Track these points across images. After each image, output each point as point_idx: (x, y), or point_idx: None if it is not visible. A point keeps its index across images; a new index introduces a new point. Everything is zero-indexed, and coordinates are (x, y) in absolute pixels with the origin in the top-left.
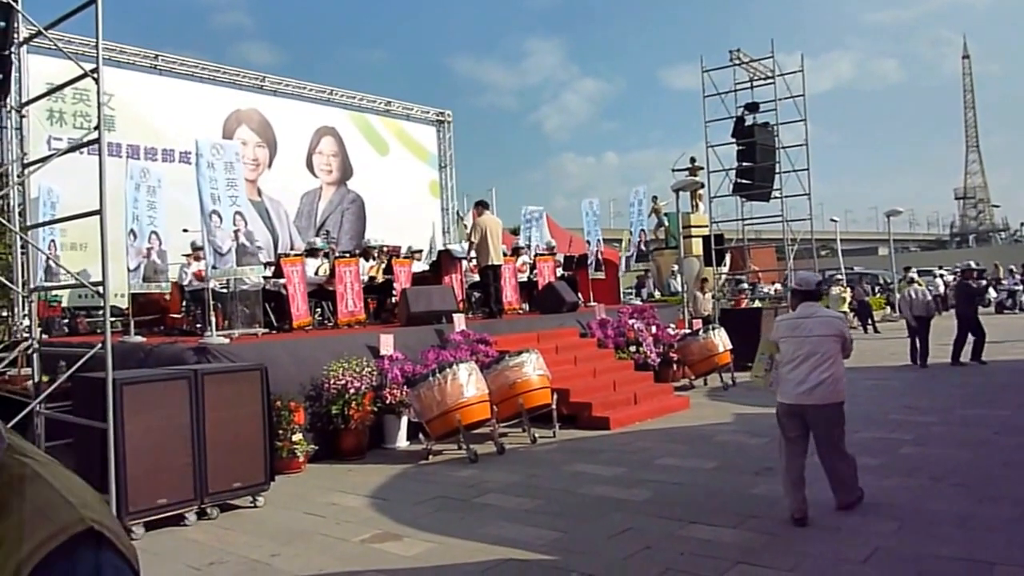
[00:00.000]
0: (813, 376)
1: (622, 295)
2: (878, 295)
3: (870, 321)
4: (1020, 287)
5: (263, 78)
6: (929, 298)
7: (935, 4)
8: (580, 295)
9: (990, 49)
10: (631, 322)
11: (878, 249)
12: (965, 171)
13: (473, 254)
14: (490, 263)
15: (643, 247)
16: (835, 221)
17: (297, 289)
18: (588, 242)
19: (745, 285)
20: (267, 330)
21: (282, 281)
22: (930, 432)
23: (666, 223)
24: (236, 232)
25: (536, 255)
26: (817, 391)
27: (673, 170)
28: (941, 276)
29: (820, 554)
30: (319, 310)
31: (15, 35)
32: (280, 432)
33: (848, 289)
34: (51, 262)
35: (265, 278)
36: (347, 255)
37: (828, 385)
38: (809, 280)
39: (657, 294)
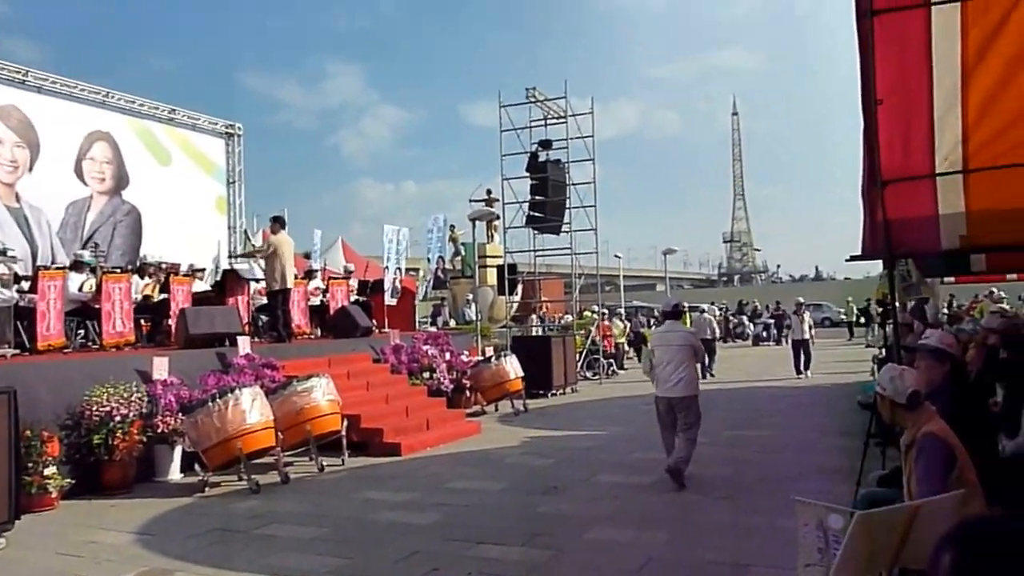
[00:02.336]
0: (675, 375)
1: (417, 322)
2: (652, 328)
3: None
4: (773, 321)
5: (25, 72)
6: (714, 324)
7: (709, 64)
8: (375, 321)
9: (756, 109)
10: (425, 348)
11: (656, 285)
12: (732, 217)
13: (261, 275)
14: (281, 285)
15: (440, 275)
16: (619, 257)
17: (51, 307)
18: (386, 268)
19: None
20: (18, 351)
21: (36, 296)
22: (699, 452)
23: (463, 252)
24: None
25: (330, 279)
26: (679, 386)
27: (470, 200)
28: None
29: (599, 566)
30: (82, 331)
31: None
32: (29, 465)
33: (626, 321)
34: None
35: (20, 292)
36: (118, 270)
37: (686, 382)
38: (672, 303)
39: (452, 322)
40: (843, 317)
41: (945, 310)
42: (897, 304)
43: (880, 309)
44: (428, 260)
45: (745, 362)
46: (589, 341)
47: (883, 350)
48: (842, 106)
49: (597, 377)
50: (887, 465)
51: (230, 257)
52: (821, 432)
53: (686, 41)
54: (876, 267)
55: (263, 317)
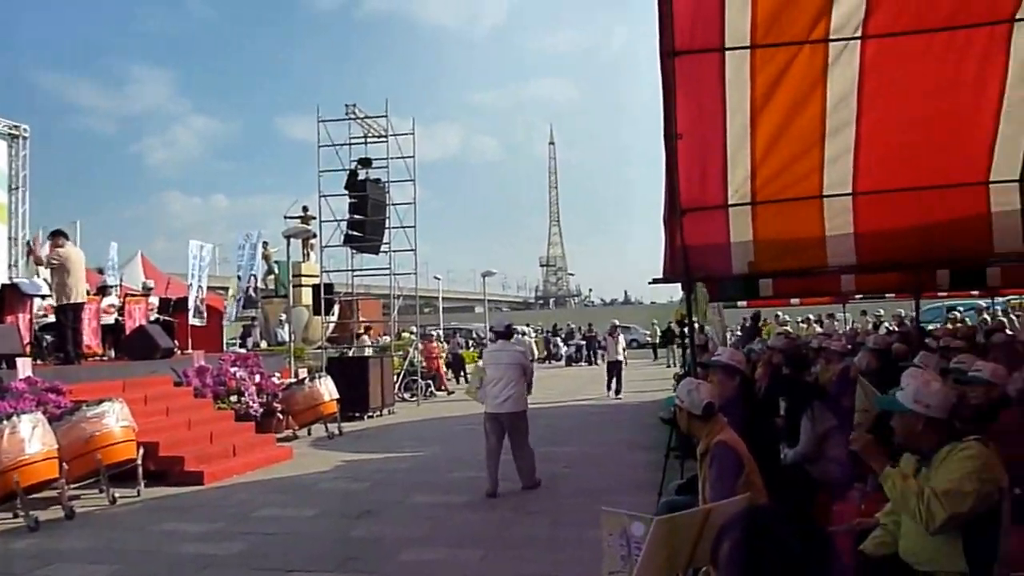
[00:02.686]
0: (504, 392)
1: (226, 344)
2: (471, 349)
3: (462, 373)
4: (585, 343)
5: None
6: (532, 346)
7: (527, 94)
8: (177, 341)
9: (572, 139)
10: (233, 371)
11: (475, 307)
12: (548, 242)
13: (47, 290)
14: (71, 301)
15: (252, 294)
16: (438, 279)
17: None
18: (190, 285)
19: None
20: None
21: None
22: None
23: (276, 271)
24: None
25: (126, 295)
26: (508, 403)
27: (286, 217)
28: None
29: None
30: None
31: None
32: None
33: (444, 343)
34: None
35: None
36: None
37: (515, 398)
38: (504, 323)
39: (264, 344)
40: (649, 339)
41: (739, 332)
42: (696, 325)
43: (679, 330)
44: (239, 278)
45: (558, 382)
46: (407, 362)
47: (684, 368)
48: (648, 139)
49: (415, 399)
50: (685, 475)
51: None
52: (628, 447)
53: (507, 69)
54: (680, 291)
55: (48, 336)
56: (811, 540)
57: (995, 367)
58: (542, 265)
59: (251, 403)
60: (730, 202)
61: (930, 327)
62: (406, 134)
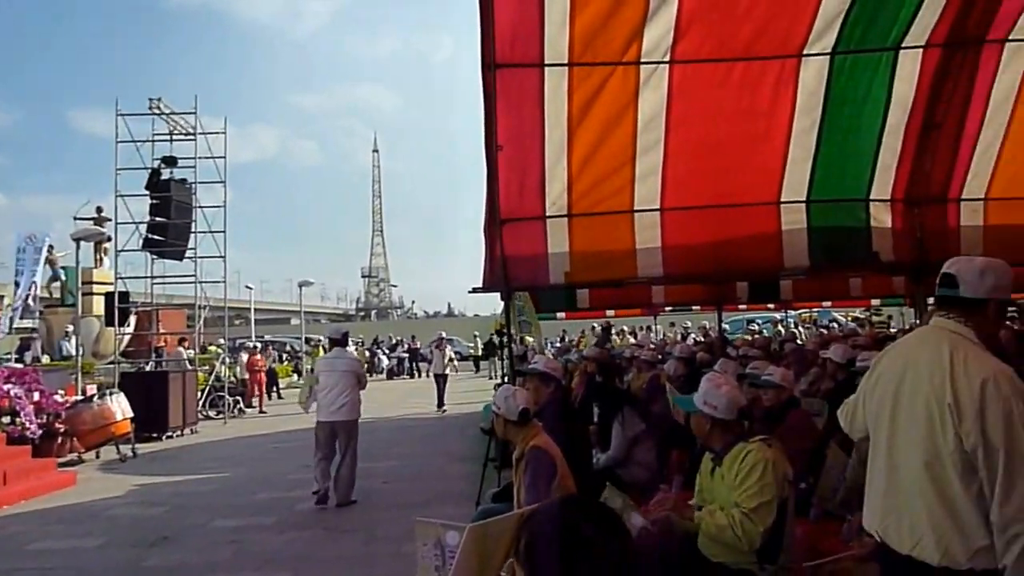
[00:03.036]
0: (340, 399)
1: None
2: (286, 363)
3: (275, 389)
4: (408, 355)
5: None
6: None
7: (350, 98)
8: None
9: (396, 147)
10: (7, 388)
11: (291, 319)
12: (371, 252)
13: None
14: None
15: (31, 303)
16: (250, 288)
17: None
18: None
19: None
20: None
21: None
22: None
23: (63, 277)
24: None
25: None
26: (343, 410)
27: (76, 219)
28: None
29: None
30: None
31: None
32: None
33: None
34: None
35: None
36: None
37: (350, 406)
38: (340, 331)
39: (46, 358)
40: (471, 351)
41: (557, 344)
42: (514, 335)
43: (498, 339)
44: (16, 285)
45: (379, 395)
46: (213, 377)
47: (504, 378)
48: (473, 150)
49: (221, 416)
50: (503, 484)
51: None
52: (448, 459)
53: (330, 73)
54: (502, 304)
55: None
56: (605, 525)
57: (784, 372)
58: (364, 276)
59: (28, 424)
60: (548, 214)
61: (732, 338)
62: (217, 132)
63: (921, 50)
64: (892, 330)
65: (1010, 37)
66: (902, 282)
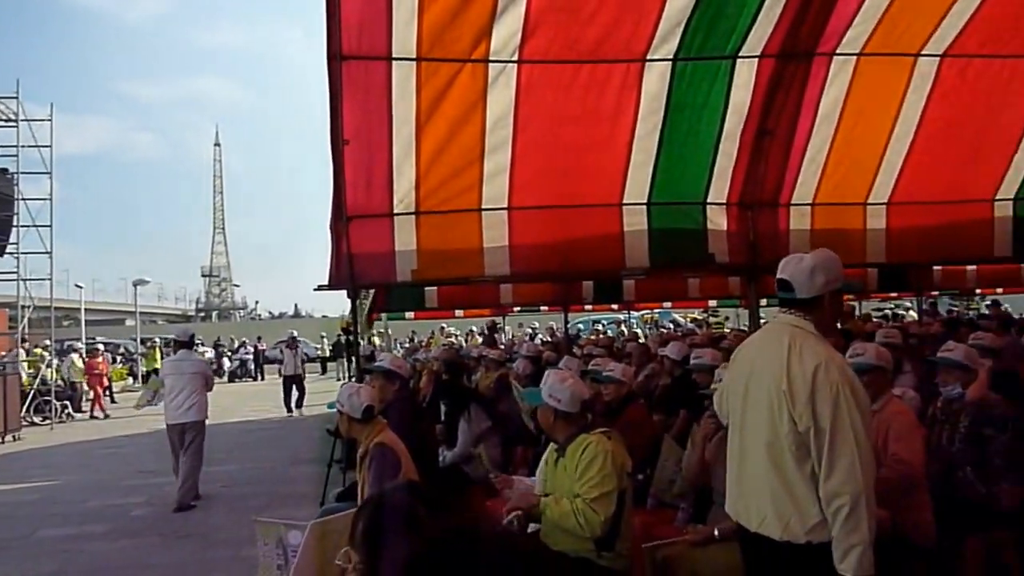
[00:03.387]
0: (188, 401)
1: None
2: (120, 366)
3: (108, 392)
4: (251, 357)
5: None
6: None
7: (189, 90)
8: None
9: (241, 142)
10: None
11: (125, 320)
12: (212, 251)
13: None
14: None
15: None
16: (80, 287)
17: None
18: None
19: None
20: None
21: None
22: (162, 492)
23: None
24: None
25: None
26: (191, 411)
27: None
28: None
29: None
30: None
31: None
32: None
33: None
34: None
35: None
36: None
37: (198, 407)
38: (187, 333)
39: None
40: (318, 353)
41: (407, 343)
42: (361, 333)
43: (345, 339)
44: None
45: (221, 399)
46: (39, 380)
47: (352, 379)
48: (322, 146)
49: (48, 423)
50: (348, 484)
51: None
52: (292, 461)
53: (171, 63)
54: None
55: None
56: (439, 507)
57: (624, 368)
58: (204, 275)
59: None
60: (395, 211)
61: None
62: (42, 120)
63: (757, 60)
64: (726, 330)
65: (837, 51)
66: (738, 283)
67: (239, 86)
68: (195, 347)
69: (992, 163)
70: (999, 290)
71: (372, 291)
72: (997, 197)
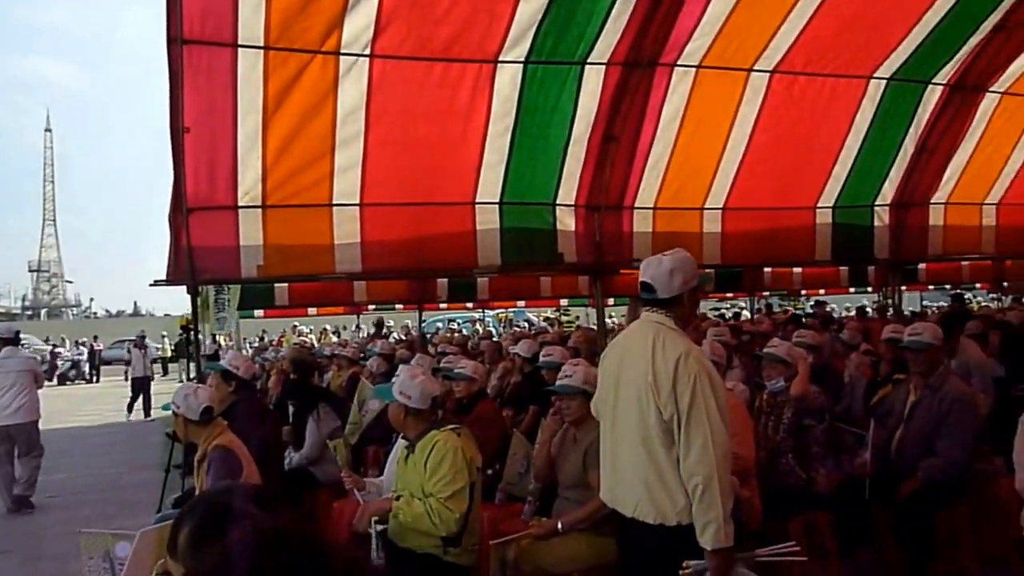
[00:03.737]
0: (17, 401)
1: None
2: None
3: None
4: (84, 358)
5: None
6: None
7: (18, 70)
8: None
9: (76, 128)
10: None
11: None
12: (41, 244)
13: None
14: None
15: None
16: None
17: None
18: None
19: None
20: None
21: None
22: None
23: None
24: None
25: None
26: (20, 412)
27: None
28: None
29: None
30: None
31: None
32: None
33: None
34: None
35: None
36: None
37: (28, 407)
38: (12, 330)
39: None
40: (159, 353)
41: (256, 344)
42: (206, 332)
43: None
44: None
45: (51, 403)
46: None
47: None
48: (163, 133)
49: None
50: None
51: None
52: (129, 468)
53: None
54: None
55: None
56: (271, 506)
57: (476, 365)
58: (32, 271)
59: None
60: (240, 204)
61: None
62: None
63: (604, 67)
64: (574, 327)
65: (678, 62)
66: (586, 282)
67: (76, 68)
68: (20, 344)
69: (814, 173)
70: (822, 291)
71: (235, 287)
72: (819, 205)
